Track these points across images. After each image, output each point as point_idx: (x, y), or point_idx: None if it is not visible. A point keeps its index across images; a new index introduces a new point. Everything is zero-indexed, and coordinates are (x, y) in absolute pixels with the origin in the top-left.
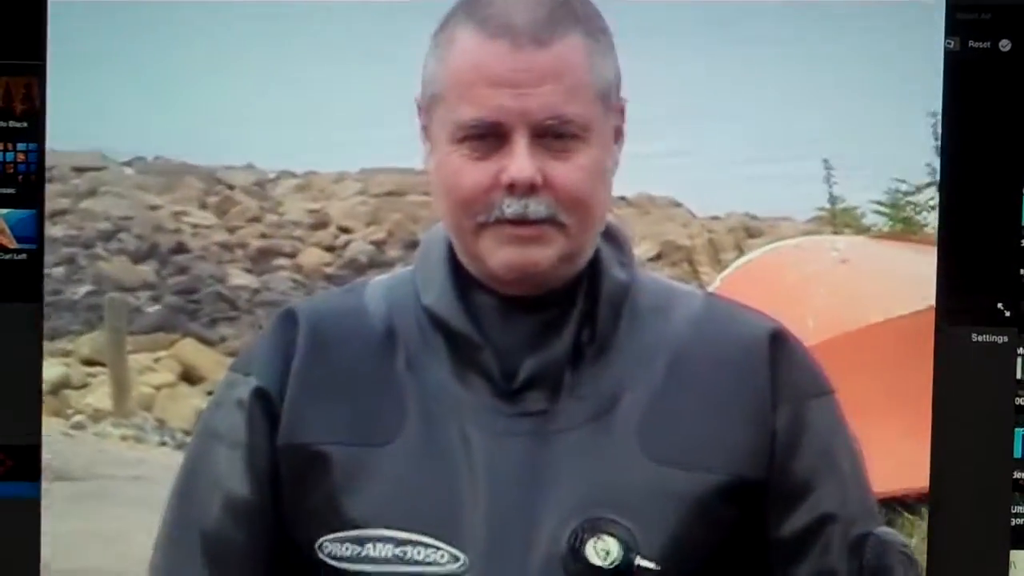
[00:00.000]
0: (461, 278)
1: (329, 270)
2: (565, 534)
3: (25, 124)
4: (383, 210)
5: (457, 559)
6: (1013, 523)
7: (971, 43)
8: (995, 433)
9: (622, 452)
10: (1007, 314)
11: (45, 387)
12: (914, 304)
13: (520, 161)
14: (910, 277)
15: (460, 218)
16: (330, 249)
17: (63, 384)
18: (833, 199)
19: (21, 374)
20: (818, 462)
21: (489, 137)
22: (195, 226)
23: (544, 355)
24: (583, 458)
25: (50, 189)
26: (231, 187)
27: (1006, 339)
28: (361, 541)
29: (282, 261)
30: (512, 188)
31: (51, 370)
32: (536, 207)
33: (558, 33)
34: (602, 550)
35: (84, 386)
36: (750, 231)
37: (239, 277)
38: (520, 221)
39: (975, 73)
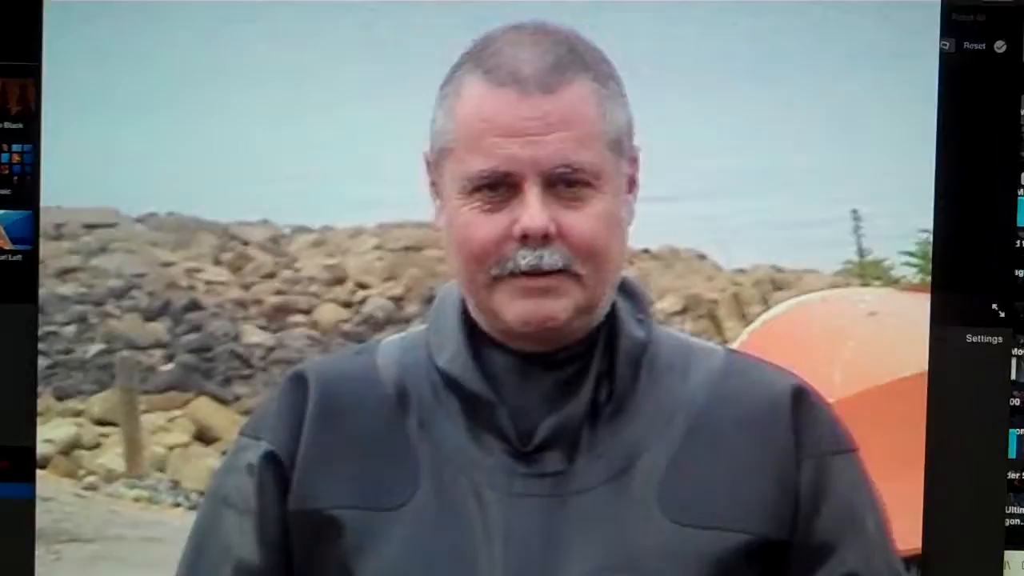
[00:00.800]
0: (475, 337)
1: (346, 327)
2: None
3: (20, 125)
4: (401, 265)
5: None
6: (1007, 523)
7: (966, 45)
8: (990, 433)
9: (641, 513)
10: (1002, 315)
11: (56, 448)
12: None
13: (532, 211)
14: None
15: (474, 272)
16: (347, 305)
17: (75, 444)
18: (861, 251)
19: (16, 375)
20: (842, 521)
21: (500, 188)
22: (209, 283)
23: (561, 415)
24: (601, 519)
25: (60, 246)
26: (246, 243)
27: (1001, 340)
28: None
29: (298, 318)
30: (526, 239)
31: (62, 430)
32: (551, 258)
33: (566, 79)
34: None
35: (96, 446)
36: (776, 284)
37: (254, 334)
38: (535, 273)
39: (970, 74)
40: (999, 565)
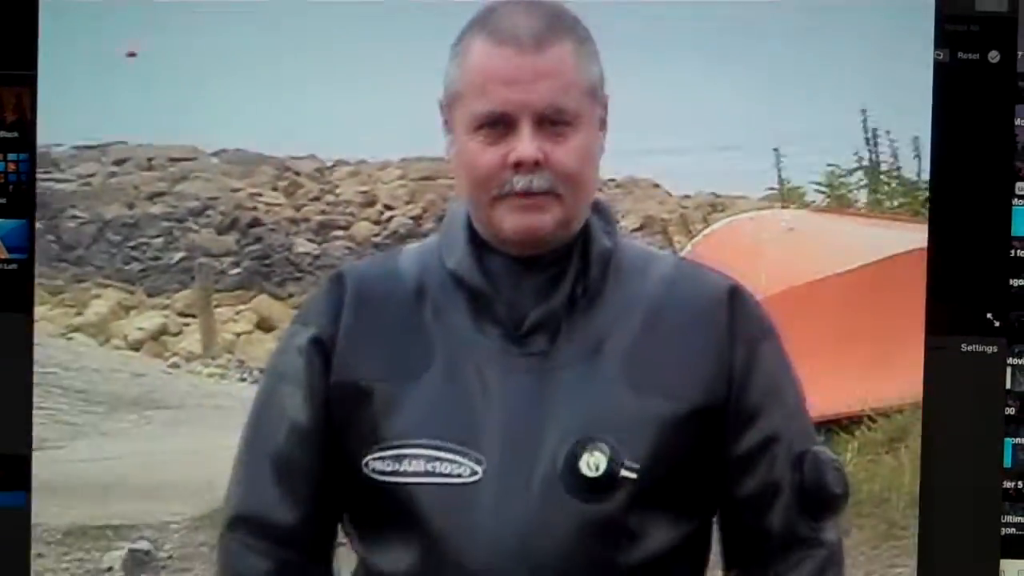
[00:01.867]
0: (477, 245)
1: (376, 239)
2: (563, 451)
3: (16, 134)
4: (420, 191)
5: (476, 472)
6: (1004, 532)
7: (960, 55)
8: (985, 443)
9: (608, 384)
10: (996, 324)
11: (147, 335)
12: (848, 264)
13: (525, 144)
14: (844, 243)
15: (478, 193)
16: (377, 223)
17: (162, 332)
18: (781, 181)
19: (11, 383)
20: (767, 393)
21: (499, 125)
22: (268, 204)
23: (546, 306)
24: (577, 389)
25: (150, 175)
26: (297, 173)
27: (995, 349)
28: (399, 458)
29: (338, 233)
30: (519, 166)
31: (152, 321)
32: (539, 181)
33: (553, 40)
34: (593, 464)
35: (179, 333)
36: (715, 207)
37: (303, 246)
38: (526, 193)
39: (964, 84)
40: (995, 574)
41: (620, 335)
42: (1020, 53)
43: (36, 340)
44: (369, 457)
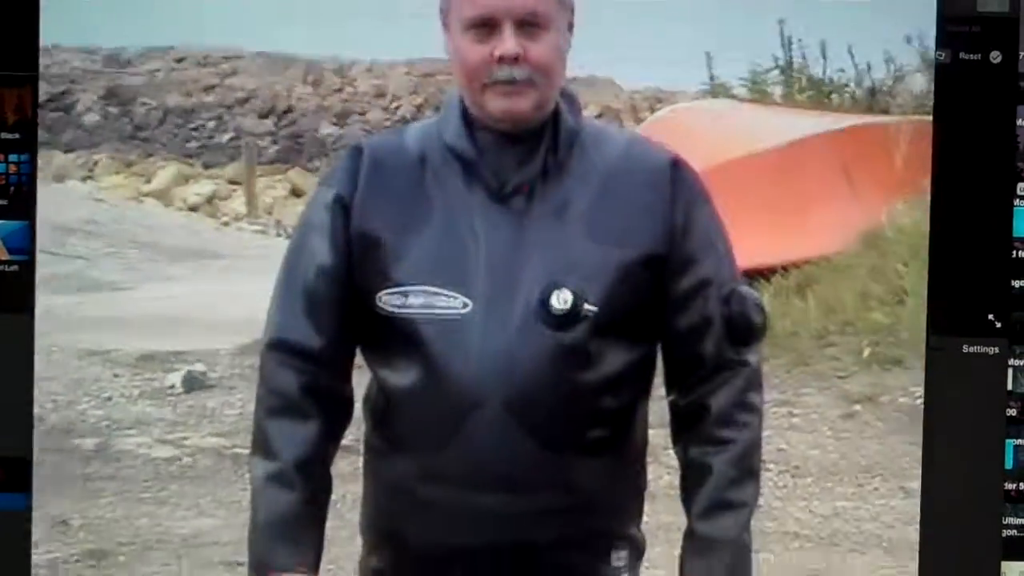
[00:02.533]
0: (469, 123)
1: (387, 124)
2: (537, 290)
3: (17, 135)
4: (423, 85)
5: (467, 306)
6: (1005, 534)
7: (962, 55)
8: (986, 444)
9: (574, 237)
10: (998, 325)
11: (202, 199)
12: (765, 145)
13: (507, 42)
14: (764, 127)
15: (469, 82)
16: (387, 110)
17: (214, 196)
18: (712, 77)
19: (12, 385)
20: (701, 244)
21: (486, 27)
22: (300, 96)
23: (524, 172)
24: (548, 240)
25: (204, 71)
26: (322, 69)
27: (997, 350)
28: (404, 294)
29: (356, 118)
30: (502, 60)
31: (207, 187)
32: (519, 72)
33: None
34: (562, 299)
35: (228, 197)
36: (659, 99)
37: (328, 128)
38: (509, 82)
39: (966, 85)
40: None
41: (583, 197)
42: (1022, 54)
43: (114, 203)
44: (381, 293)
